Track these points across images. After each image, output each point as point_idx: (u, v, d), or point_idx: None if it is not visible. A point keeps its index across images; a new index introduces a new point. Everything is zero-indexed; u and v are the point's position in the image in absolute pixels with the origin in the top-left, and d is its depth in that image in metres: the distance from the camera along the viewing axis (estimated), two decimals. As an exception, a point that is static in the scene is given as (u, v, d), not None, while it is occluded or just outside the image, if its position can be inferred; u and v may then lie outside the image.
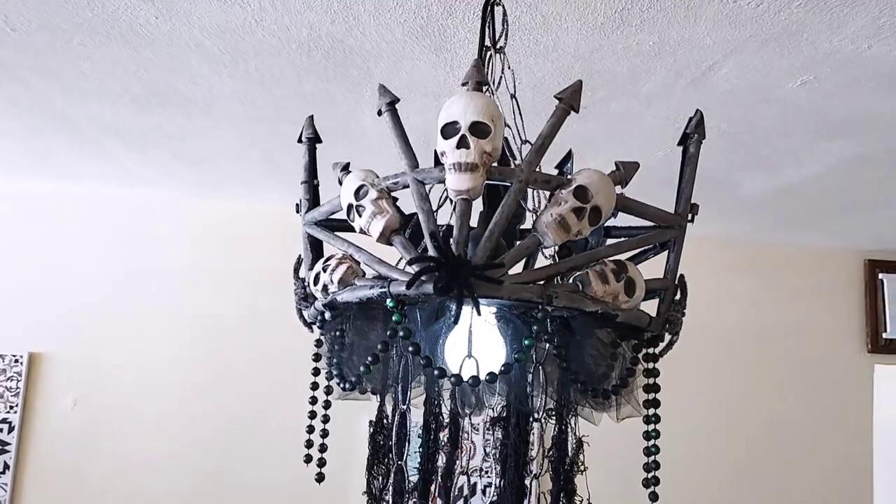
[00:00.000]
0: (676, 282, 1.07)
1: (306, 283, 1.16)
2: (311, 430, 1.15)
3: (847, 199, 2.70)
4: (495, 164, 0.95)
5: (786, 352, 3.47)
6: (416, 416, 1.13)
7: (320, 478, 1.09)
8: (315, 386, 1.16)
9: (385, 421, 1.12)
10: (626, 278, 0.96)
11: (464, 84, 1.00)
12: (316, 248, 1.18)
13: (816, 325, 3.53)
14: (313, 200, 1.20)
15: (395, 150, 1.00)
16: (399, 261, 1.10)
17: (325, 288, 1.03)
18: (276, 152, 2.48)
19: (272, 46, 1.70)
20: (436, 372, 0.90)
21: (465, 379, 0.90)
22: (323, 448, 1.12)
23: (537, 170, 0.96)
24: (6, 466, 2.79)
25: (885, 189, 2.55)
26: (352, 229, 1.15)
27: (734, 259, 3.46)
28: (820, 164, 2.31)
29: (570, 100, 1.00)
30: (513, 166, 1.12)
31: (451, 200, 1.19)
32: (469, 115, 0.93)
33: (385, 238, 0.97)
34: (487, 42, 1.20)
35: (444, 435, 1.17)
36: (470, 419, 1.07)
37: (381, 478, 1.07)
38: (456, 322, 0.88)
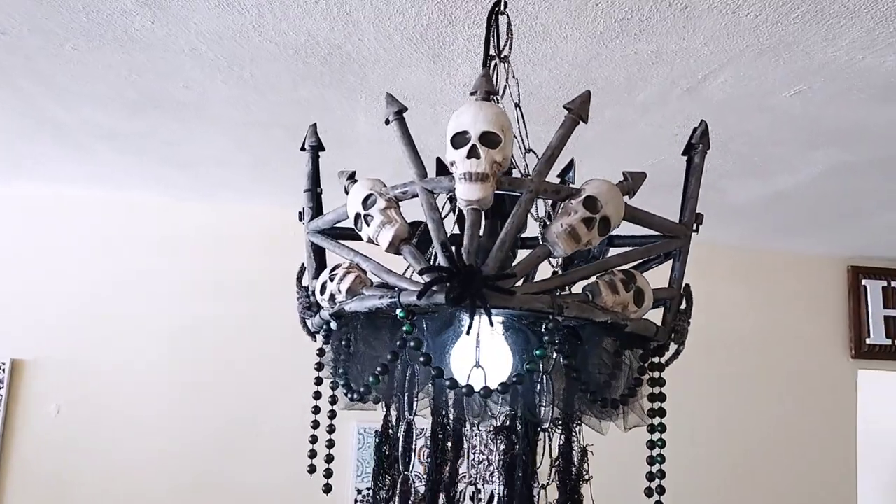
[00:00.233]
0: (682, 291, 1.08)
1: (310, 292, 1.15)
2: (314, 439, 1.14)
3: (834, 206, 2.73)
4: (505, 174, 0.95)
5: (771, 357, 3.50)
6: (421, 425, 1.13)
7: (327, 488, 1.08)
8: (318, 395, 1.15)
9: (390, 431, 1.11)
10: (636, 288, 0.97)
11: (472, 93, 1.00)
12: (319, 256, 1.18)
13: (801, 331, 3.56)
14: (316, 208, 1.19)
15: (404, 158, 1.00)
16: (406, 270, 1.10)
17: (332, 297, 1.02)
18: (268, 158, 2.47)
19: (269, 52, 1.69)
20: (447, 383, 0.90)
21: (477, 389, 0.90)
22: (329, 458, 1.11)
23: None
24: (-11, 474, 2.74)
25: (871, 197, 2.59)
26: (354, 238, 1.15)
27: (720, 265, 3.48)
28: (810, 173, 2.33)
29: (578, 110, 1.00)
30: (516, 175, 1.12)
31: (454, 209, 1.20)
32: (479, 125, 0.93)
33: (394, 248, 0.96)
34: (492, 51, 1.19)
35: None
36: (478, 428, 1.06)
37: (387, 488, 1.07)
38: (468, 333, 0.88)
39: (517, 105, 1.21)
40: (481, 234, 1.04)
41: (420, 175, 0.98)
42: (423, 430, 1.15)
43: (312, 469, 1.13)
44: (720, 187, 2.55)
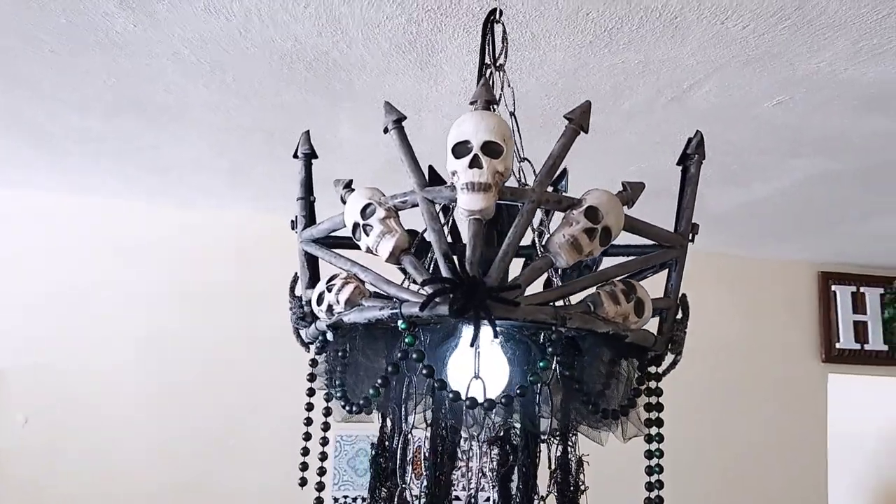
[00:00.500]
0: (678, 301, 1.08)
1: (304, 302, 1.13)
2: (305, 451, 1.12)
3: (809, 214, 2.77)
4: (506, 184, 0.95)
5: (744, 361, 3.55)
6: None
7: (319, 502, 1.07)
8: (310, 407, 1.13)
9: (386, 443, 1.10)
10: (636, 299, 0.97)
11: (472, 103, 0.99)
12: (312, 265, 1.16)
13: (773, 336, 3.62)
14: (310, 217, 1.17)
15: (403, 168, 0.99)
16: (404, 280, 1.08)
17: (329, 308, 1.00)
18: (246, 163, 2.44)
19: (254, 57, 1.67)
20: (450, 395, 0.89)
21: (480, 402, 0.89)
22: (322, 471, 1.10)
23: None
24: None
25: (845, 205, 2.63)
26: (348, 247, 1.14)
27: (696, 271, 3.51)
28: (788, 181, 2.37)
29: (579, 120, 1.00)
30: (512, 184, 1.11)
31: (447, 219, 1.19)
32: (481, 135, 0.92)
33: (394, 258, 0.95)
34: (487, 60, 1.19)
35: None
36: (477, 439, 1.05)
37: (384, 501, 1.05)
38: (472, 345, 0.87)
39: (512, 114, 1.21)
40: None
41: (420, 184, 0.97)
42: (416, 439, 1.14)
43: (304, 481, 1.12)
44: (702, 195, 2.57)
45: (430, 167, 1.14)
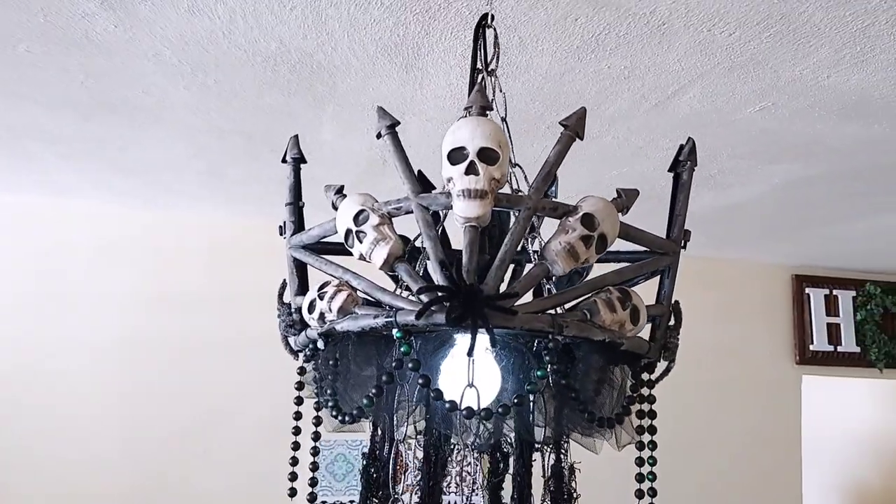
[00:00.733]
0: (671, 308, 1.08)
1: (293, 310, 1.11)
2: (294, 461, 1.10)
3: (784, 217, 2.81)
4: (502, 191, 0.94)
5: (719, 362, 3.57)
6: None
7: (312, 515, 1.05)
8: (298, 416, 1.11)
9: (377, 453, 1.08)
10: (632, 306, 0.96)
11: (467, 108, 0.98)
12: (301, 272, 1.14)
13: (748, 338, 3.66)
14: (298, 223, 1.15)
15: (397, 174, 0.98)
16: (396, 288, 1.07)
17: (321, 316, 0.98)
18: (223, 166, 2.40)
19: (236, 59, 1.64)
20: (447, 405, 0.88)
21: (478, 411, 0.88)
22: (313, 482, 1.08)
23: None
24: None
25: (820, 209, 2.67)
26: (337, 252, 1.12)
27: (672, 274, 3.53)
28: (765, 185, 2.39)
29: (575, 126, 1.00)
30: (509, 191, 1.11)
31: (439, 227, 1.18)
32: (477, 141, 0.91)
33: (388, 265, 0.94)
34: (479, 64, 1.18)
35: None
36: (471, 448, 1.04)
37: (375, 512, 1.04)
38: (470, 354, 0.86)
39: (504, 119, 1.20)
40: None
41: (415, 191, 0.96)
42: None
43: (293, 492, 1.10)
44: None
45: (420, 172, 1.13)
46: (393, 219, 0.98)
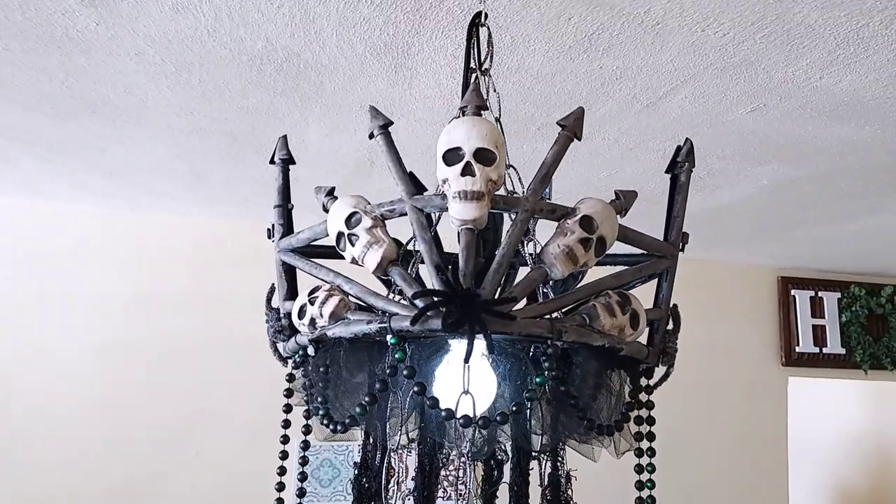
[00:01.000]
0: (669, 312, 1.06)
1: (281, 315, 1.08)
2: (282, 471, 1.07)
3: (770, 219, 2.80)
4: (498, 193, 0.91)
5: (704, 365, 3.57)
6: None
7: (301, 524, 1.02)
8: (287, 424, 1.08)
9: (369, 462, 1.05)
10: (631, 310, 0.94)
11: (462, 108, 0.96)
12: (290, 276, 1.11)
13: (735, 339, 3.66)
14: (287, 225, 1.12)
15: (391, 175, 0.95)
16: (389, 292, 1.04)
17: (312, 322, 0.95)
18: (205, 166, 2.36)
19: (221, 58, 1.61)
20: (443, 413, 0.85)
21: (475, 419, 0.85)
22: (301, 493, 1.05)
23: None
24: None
25: (807, 211, 2.67)
26: (327, 256, 1.09)
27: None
28: (753, 187, 2.39)
29: (573, 127, 0.97)
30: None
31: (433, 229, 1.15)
32: (473, 142, 0.89)
33: (382, 269, 0.91)
34: (473, 64, 1.15)
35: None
36: (468, 457, 1.01)
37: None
38: (467, 361, 0.83)
39: (497, 120, 1.18)
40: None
41: (409, 192, 0.93)
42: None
43: (280, 502, 1.06)
44: (663, 201, 2.58)
45: (412, 174, 1.10)
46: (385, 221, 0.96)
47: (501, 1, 1.34)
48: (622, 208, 0.98)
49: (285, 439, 1.08)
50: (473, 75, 1.15)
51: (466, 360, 0.83)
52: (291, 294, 1.08)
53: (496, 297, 0.87)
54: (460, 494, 1.03)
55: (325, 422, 0.98)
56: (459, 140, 0.89)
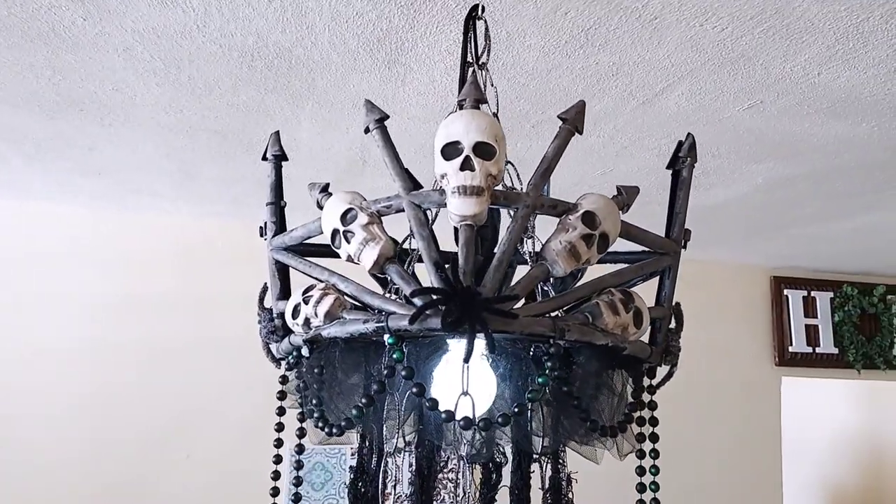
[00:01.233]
0: (672, 310, 1.04)
1: (275, 315, 1.05)
2: (276, 475, 1.05)
3: (763, 218, 2.79)
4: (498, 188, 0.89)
5: (698, 365, 3.56)
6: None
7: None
8: (280, 427, 1.05)
9: (365, 466, 1.03)
10: (635, 308, 0.92)
11: (460, 101, 0.93)
12: (284, 275, 1.08)
13: (728, 339, 3.64)
14: (280, 223, 1.09)
15: (388, 171, 0.92)
16: (385, 291, 1.01)
17: (307, 321, 0.92)
18: (195, 164, 2.32)
19: (211, 54, 1.58)
20: (443, 415, 0.82)
21: (476, 421, 0.83)
22: (297, 498, 1.02)
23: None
24: None
25: (800, 209, 2.66)
26: (322, 254, 1.06)
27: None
28: (747, 185, 2.37)
29: (574, 121, 0.95)
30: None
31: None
32: (472, 135, 0.86)
33: (379, 267, 0.88)
34: (469, 58, 1.13)
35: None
36: (467, 460, 0.99)
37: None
38: (467, 360, 0.80)
39: (495, 115, 1.15)
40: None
41: (406, 188, 0.90)
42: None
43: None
44: (660, 200, 2.56)
45: (406, 170, 1.07)
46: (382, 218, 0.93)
47: (497, -5, 1.32)
48: (624, 204, 0.96)
49: (279, 443, 1.05)
50: (470, 69, 1.12)
51: (466, 360, 0.81)
52: (285, 293, 1.05)
53: (497, 294, 0.84)
54: (457, 498, 1.00)
55: (319, 424, 0.95)
56: (458, 134, 0.87)
